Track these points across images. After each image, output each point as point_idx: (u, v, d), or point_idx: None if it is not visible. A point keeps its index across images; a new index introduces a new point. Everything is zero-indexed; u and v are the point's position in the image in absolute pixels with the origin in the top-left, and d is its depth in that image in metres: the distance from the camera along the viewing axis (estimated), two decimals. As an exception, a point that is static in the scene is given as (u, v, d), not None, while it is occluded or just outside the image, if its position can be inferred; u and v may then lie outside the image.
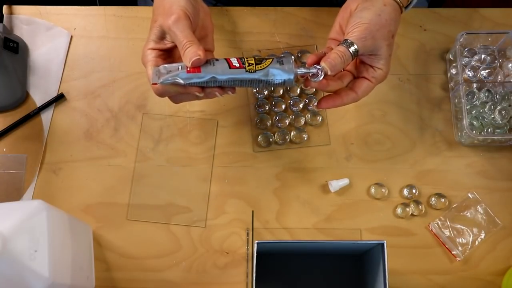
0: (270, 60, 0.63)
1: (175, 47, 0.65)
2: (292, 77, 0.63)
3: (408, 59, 0.83)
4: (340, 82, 0.68)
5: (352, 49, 0.64)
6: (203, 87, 0.63)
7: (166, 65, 0.63)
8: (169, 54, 0.67)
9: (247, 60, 0.63)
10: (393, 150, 0.80)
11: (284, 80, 0.63)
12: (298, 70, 0.64)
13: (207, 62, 0.62)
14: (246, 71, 0.62)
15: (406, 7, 0.70)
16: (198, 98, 0.66)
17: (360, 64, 0.68)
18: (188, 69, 0.62)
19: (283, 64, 0.63)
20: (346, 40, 0.64)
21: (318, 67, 0.64)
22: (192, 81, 0.62)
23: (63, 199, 0.77)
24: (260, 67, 0.63)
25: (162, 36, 0.65)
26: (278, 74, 0.63)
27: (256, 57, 0.64)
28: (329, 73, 0.64)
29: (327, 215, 0.77)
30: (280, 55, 0.64)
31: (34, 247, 0.56)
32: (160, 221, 0.77)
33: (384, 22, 0.65)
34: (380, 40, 0.65)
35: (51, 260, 0.57)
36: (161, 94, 0.65)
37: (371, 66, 0.67)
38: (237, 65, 0.62)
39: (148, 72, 0.65)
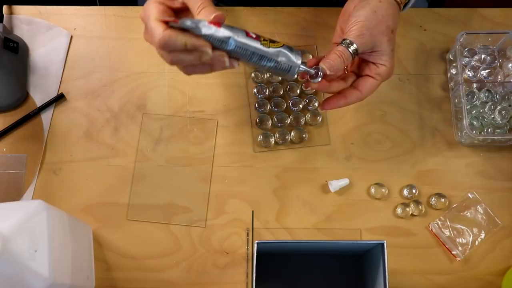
0: (282, 44, 0.63)
1: (183, 10, 0.62)
2: (296, 68, 0.63)
3: (408, 59, 0.83)
4: (342, 83, 0.68)
5: (351, 48, 0.64)
6: (213, 48, 0.60)
7: (187, 19, 0.59)
8: (175, 15, 0.62)
9: (262, 36, 0.63)
10: (393, 150, 0.80)
11: (290, 67, 0.63)
12: (302, 65, 0.63)
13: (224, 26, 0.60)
14: (261, 44, 0.61)
15: (405, 5, 0.70)
16: (199, 62, 0.60)
17: (362, 63, 0.68)
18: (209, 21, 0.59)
19: (293, 51, 0.63)
20: (344, 39, 0.65)
21: (317, 67, 0.64)
22: (210, 32, 0.59)
23: (63, 199, 0.77)
24: (274, 45, 0.62)
25: None
26: (287, 59, 0.62)
27: (270, 38, 0.63)
28: (327, 72, 0.64)
29: (327, 215, 0.77)
30: (290, 46, 0.64)
31: (34, 247, 0.56)
32: (160, 221, 0.77)
33: (380, 18, 0.65)
34: (378, 36, 0.65)
35: (51, 260, 0.57)
36: (164, 45, 0.59)
37: (374, 63, 0.67)
38: (254, 36, 0.62)
39: (150, 24, 0.59)
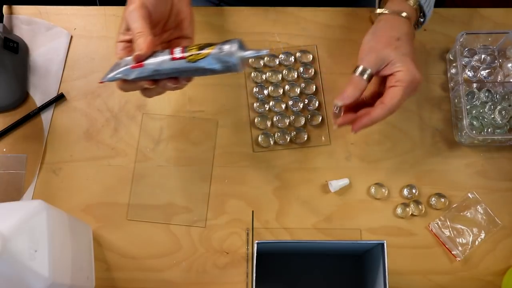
0: (213, 47, 0.61)
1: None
2: (235, 61, 0.60)
3: (408, 59, 0.83)
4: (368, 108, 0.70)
5: (358, 70, 0.67)
6: (155, 80, 0.63)
7: (122, 59, 0.63)
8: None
9: (189, 49, 0.61)
10: (393, 150, 0.80)
11: (229, 67, 0.61)
12: (246, 53, 0.61)
13: (152, 54, 0.62)
14: (187, 61, 0.61)
15: (421, 22, 0.73)
16: (159, 90, 0.65)
17: (384, 81, 0.70)
18: (133, 64, 0.62)
19: (224, 50, 0.60)
20: (356, 67, 0.68)
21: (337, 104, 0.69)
22: (137, 76, 0.62)
23: (63, 199, 0.77)
24: (202, 56, 0.61)
25: (127, 27, 0.64)
26: (219, 61, 0.60)
27: (201, 44, 0.62)
28: (339, 104, 0.68)
29: (327, 215, 0.77)
30: (226, 40, 0.62)
31: (34, 247, 0.56)
32: (160, 221, 0.77)
33: (381, 33, 0.69)
34: (383, 50, 0.67)
35: (51, 260, 0.57)
36: (122, 90, 0.65)
37: (391, 74, 0.68)
38: (179, 56, 0.61)
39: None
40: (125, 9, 0.64)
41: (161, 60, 0.61)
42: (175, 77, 0.63)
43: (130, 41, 0.64)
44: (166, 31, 0.69)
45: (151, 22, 0.64)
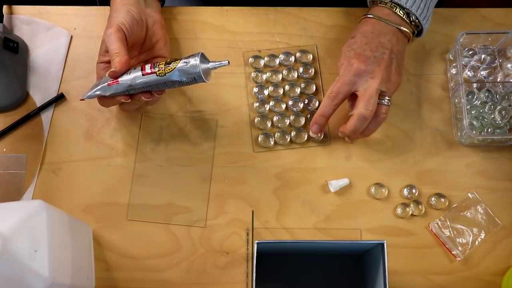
0: (178, 61, 0.67)
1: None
2: (198, 73, 0.66)
3: (408, 59, 0.83)
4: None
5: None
6: (131, 94, 0.70)
7: (101, 79, 0.70)
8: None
9: (158, 64, 0.68)
10: (393, 150, 0.80)
11: (194, 78, 0.67)
12: (208, 65, 0.67)
13: (126, 72, 0.69)
14: (157, 75, 0.67)
15: (415, 25, 0.77)
16: (135, 103, 0.72)
17: None
18: (110, 81, 0.69)
19: (188, 63, 0.67)
20: None
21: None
22: (113, 92, 0.69)
23: (63, 199, 0.77)
24: (169, 69, 0.67)
25: (106, 49, 0.71)
26: (185, 74, 0.67)
27: (168, 60, 0.68)
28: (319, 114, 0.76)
29: (327, 215, 0.77)
30: (191, 54, 0.68)
31: (34, 247, 0.56)
32: (160, 221, 0.77)
33: (346, 43, 0.76)
34: (342, 51, 0.76)
35: (51, 260, 0.57)
36: (102, 106, 0.73)
37: None
38: (149, 71, 0.68)
39: None
40: (104, 32, 0.70)
41: (133, 76, 0.68)
42: (149, 91, 0.70)
43: (109, 62, 0.70)
44: (143, 52, 0.76)
45: (127, 44, 0.70)
